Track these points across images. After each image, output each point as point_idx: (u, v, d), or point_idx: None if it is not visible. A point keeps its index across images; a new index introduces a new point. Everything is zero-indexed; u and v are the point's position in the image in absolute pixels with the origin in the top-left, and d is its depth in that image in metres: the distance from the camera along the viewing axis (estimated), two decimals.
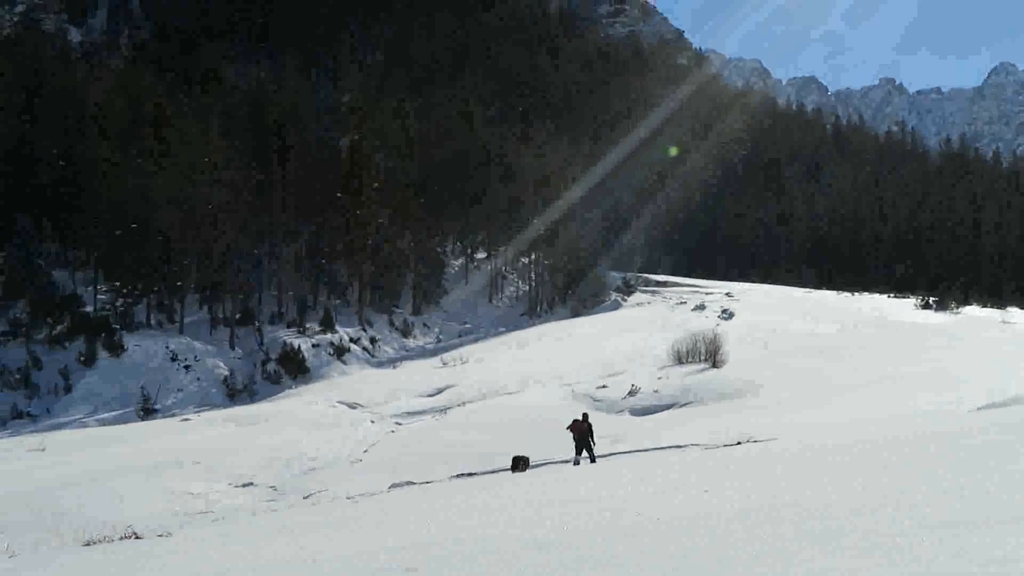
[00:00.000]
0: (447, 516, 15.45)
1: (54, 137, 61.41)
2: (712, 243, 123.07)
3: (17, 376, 47.15)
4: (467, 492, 21.07)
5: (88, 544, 18.06)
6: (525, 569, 8.12)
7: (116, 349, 50.81)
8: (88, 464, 30.94)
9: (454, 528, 13.25)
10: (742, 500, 11.93)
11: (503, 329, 74.86)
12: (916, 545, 7.22)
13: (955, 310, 73.88)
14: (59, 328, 51.31)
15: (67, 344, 50.55)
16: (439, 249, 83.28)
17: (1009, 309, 77.69)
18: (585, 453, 25.67)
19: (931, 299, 77.91)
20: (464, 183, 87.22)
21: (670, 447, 28.51)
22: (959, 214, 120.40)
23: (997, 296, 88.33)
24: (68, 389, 47.63)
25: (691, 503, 12.69)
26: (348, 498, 25.80)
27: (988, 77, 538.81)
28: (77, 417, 45.40)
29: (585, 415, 26.88)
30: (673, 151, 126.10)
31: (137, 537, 19.04)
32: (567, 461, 26.33)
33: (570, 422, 26.22)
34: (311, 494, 29.24)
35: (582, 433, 25.42)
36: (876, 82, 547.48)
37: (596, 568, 7.84)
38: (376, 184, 71.96)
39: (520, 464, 25.47)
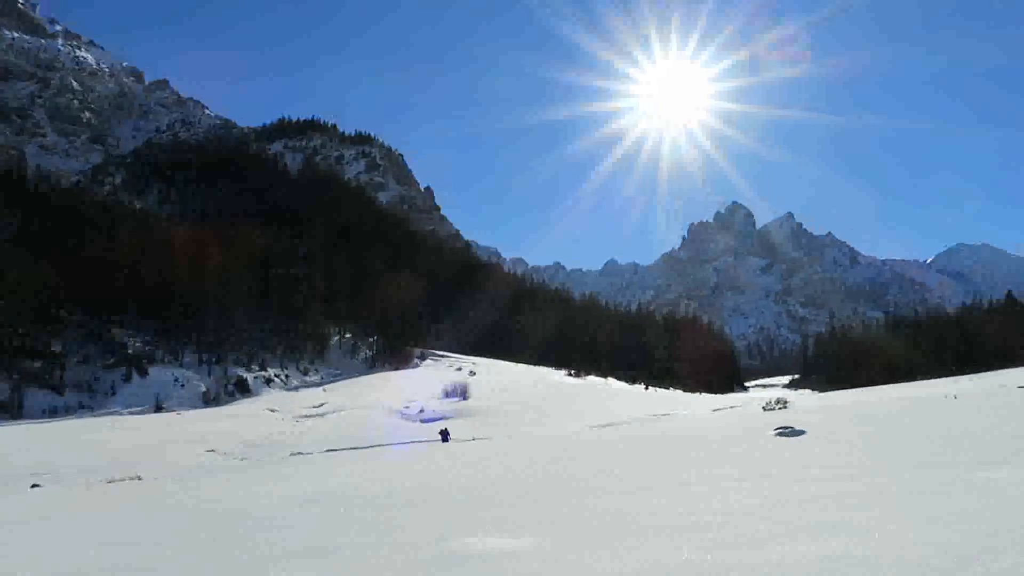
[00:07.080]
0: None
1: None
2: (477, 332, 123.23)
3: (85, 384, 47.19)
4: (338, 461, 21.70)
5: (134, 479, 19.93)
6: None
7: (143, 373, 51.29)
8: (133, 439, 31.86)
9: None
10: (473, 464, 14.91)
11: (357, 375, 74.53)
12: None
13: (583, 376, 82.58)
14: (112, 360, 51.34)
15: (115, 369, 50.55)
16: (325, 331, 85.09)
17: (609, 379, 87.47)
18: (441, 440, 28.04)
19: (572, 371, 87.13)
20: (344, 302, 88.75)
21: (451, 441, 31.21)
22: (591, 330, 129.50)
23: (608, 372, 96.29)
24: (114, 394, 47.87)
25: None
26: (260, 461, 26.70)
27: (604, 266, 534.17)
28: (117, 410, 45.31)
29: (445, 428, 28.40)
30: None
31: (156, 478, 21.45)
32: (388, 445, 28.34)
33: (440, 429, 28.37)
34: (244, 458, 31.64)
35: (444, 434, 28.16)
36: (552, 263, 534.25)
37: None
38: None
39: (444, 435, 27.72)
